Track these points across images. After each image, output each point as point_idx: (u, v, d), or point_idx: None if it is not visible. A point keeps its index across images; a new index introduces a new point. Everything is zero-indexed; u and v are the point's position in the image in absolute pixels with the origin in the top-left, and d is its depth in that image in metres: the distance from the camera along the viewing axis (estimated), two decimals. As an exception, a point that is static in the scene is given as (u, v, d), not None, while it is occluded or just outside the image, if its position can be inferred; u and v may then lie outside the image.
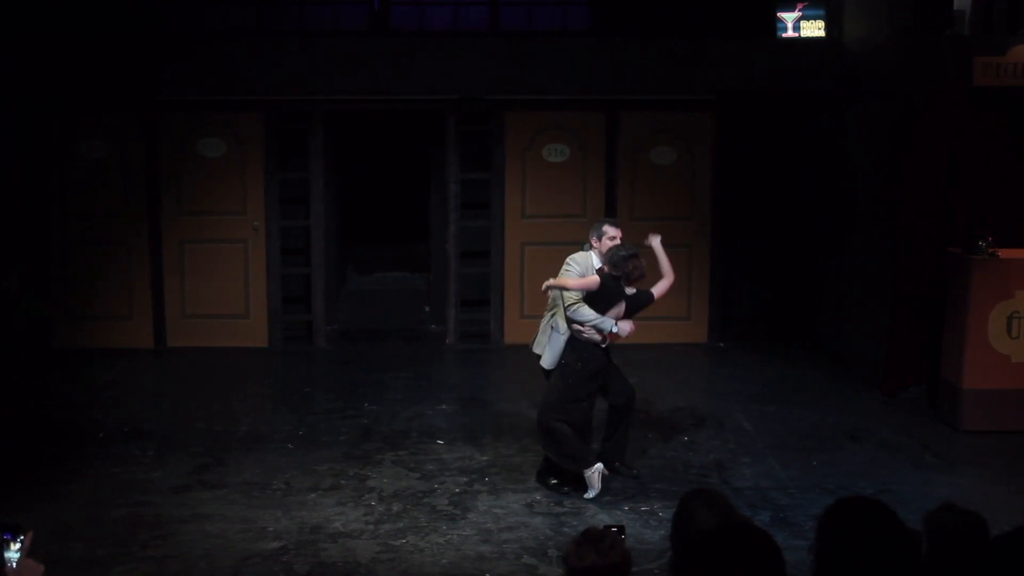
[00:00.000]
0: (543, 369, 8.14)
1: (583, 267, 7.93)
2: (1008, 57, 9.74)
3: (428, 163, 12.92)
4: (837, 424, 9.60)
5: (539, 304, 8.32)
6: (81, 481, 8.14)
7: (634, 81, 11.89)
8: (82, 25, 11.72)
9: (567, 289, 7.77)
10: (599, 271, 7.84)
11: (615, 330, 7.75)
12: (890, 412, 9.94)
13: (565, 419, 7.82)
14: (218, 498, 7.83)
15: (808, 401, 10.28)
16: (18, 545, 3.52)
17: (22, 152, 11.83)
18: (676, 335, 12.16)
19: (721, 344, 12.38)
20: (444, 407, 10.04)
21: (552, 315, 8.07)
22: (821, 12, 11.98)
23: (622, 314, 7.83)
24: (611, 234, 7.94)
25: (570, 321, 7.85)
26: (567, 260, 8.01)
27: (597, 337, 7.79)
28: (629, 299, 7.83)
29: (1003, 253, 9.35)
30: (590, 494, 7.80)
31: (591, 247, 8.03)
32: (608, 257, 7.81)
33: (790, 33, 12.06)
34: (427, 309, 13.30)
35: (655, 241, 7.99)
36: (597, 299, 7.74)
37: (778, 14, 12.05)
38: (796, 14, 12.00)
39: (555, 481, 8.00)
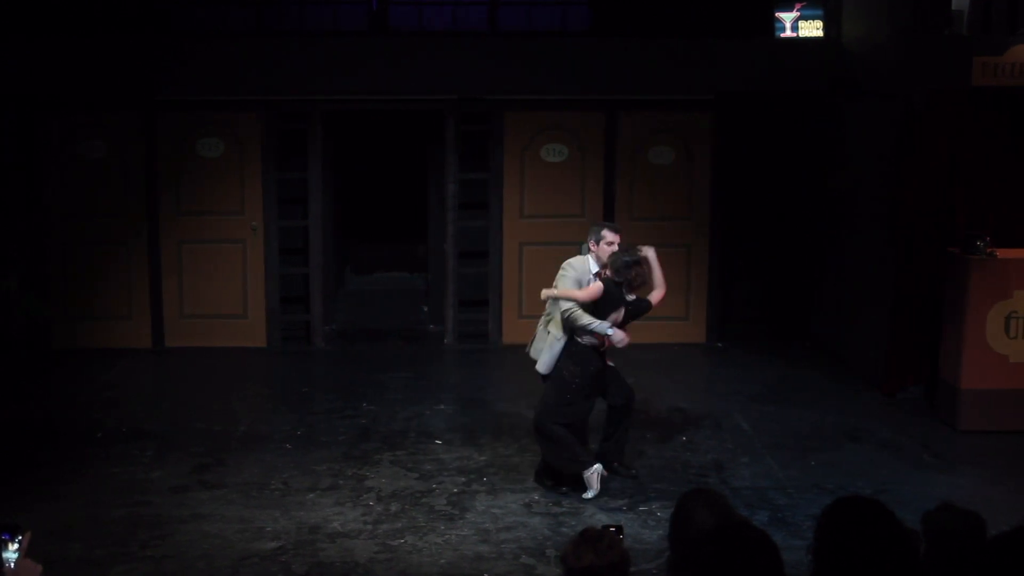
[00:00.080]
0: (540, 373, 8.13)
1: (579, 272, 7.89)
2: (1006, 57, 9.74)
3: (427, 163, 12.92)
4: (836, 424, 9.61)
5: (537, 304, 8.29)
6: (80, 481, 8.14)
7: (633, 81, 11.89)
8: (82, 25, 11.72)
9: (575, 300, 7.73)
10: (601, 277, 7.83)
11: (610, 333, 7.74)
12: (889, 412, 9.94)
13: (562, 422, 7.82)
14: (217, 498, 7.83)
15: (807, 401, 10.29)
16: (16, 545, 3.52)
17: (21, 152, 11.83)
18: (675, 335, 12.16)
19: (720, 344, 12.39)
20: (442, 407, 10.04)
21: (548, 320, 8.05)
22: (819, 12, 11.99)
23: (620, 319, 7.83)
24: (609, 239, 7.90)
25: (567, 325, 7.84)
26: (563, 265, 7.97)
27: (595, 340, 7.78)
28: (628, 305, 7.83)
29: (1001, 253, 9.35)
30: (589, 494, 7.80)
31: (589, 250, 8.00)
32: (611, 262, 7.79)
33: (788, 33, 12.07)
34: (425, 309, 13.30)
35: (650, 252, 7.96)
36: (599, 305, 7.74)
37: (776, 14, 12.06)
38: (794, 14, 12.01)
39: (553, 481, 8.00)
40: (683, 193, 12.30)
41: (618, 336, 7.76)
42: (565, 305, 7.79)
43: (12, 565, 3.50)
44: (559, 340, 7.90)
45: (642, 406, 9.23)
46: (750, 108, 12.16)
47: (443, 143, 12.22)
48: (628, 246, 7.93)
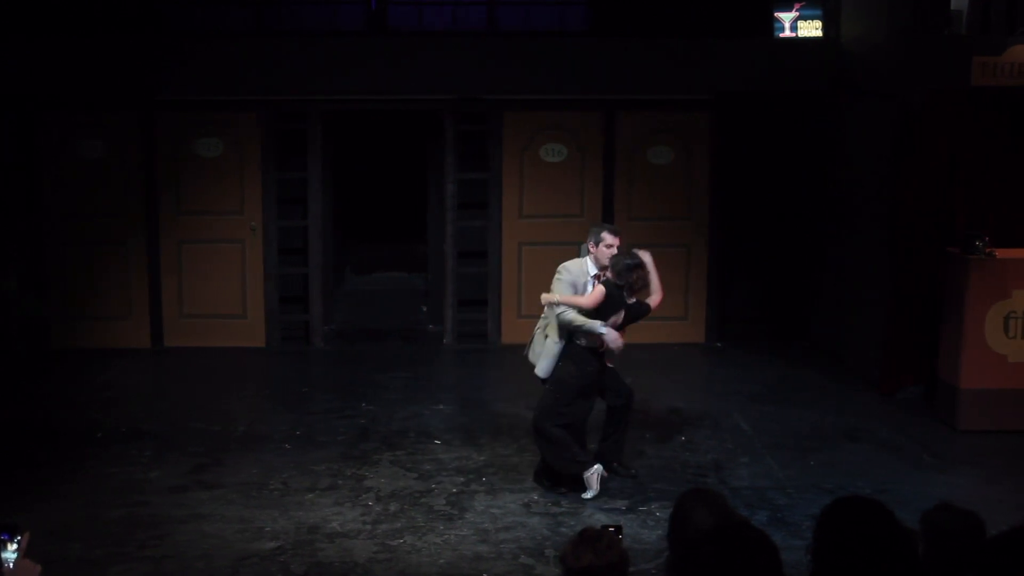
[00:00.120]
0: (540, 378, 8.12)
1: (574, 275, 7.85)
2: (1005, 57, 9.74)
3: (426, 163, 12.93)
4: (835, 424, 9.61)
5: (536, 304, 8.27)
6: (78, 481, 8.13)
7: (632, 81, 11.89)
8: (81, 25, 11.73)
9: (579, 307, 7.69)
10: (604, 280, 7.81)
11: (603, 332, 7.71)
12: (888, 412, 9.94)
13: (561, 423, 7.82)
14: (215, 498, 7.83)
15: (806, 401, 10.29)
16: (15, 545, 3.51)
17: (21, 152, 11.84)
18: (673, 335, 12.16)
19: (719, 344, 12.39)
20: (441, 407, 10.04)
21: (546, 325, 8.03)
22: (818, 12, 12.00)
23: (620, 322, 7.82)
24: (609, 241, 7.84)
25: (560, 326, 7.83)
26: (559, 269, 7.92)
27: (593, 342, 7.76)
28: (628, 308, 7.83)
29: (1000, 253, 9.35)
30: (588, 495, 7.80)
31: (588, 251, 7.98)
32: (613, 264, 7.78)
33: (787, 33, 12.07)
34: (425, 309, 13.30)
35: (646, 257, 7.94)
36: (600, 308, 7.72)
37: (775, 14, 12.07)
38: (793, 14, 12.01)
39: (551, 481, 7.99)
40: (682, 193, 12.30)
41: (611, 336, 7.74)
42: (559, 306, 7.79)
43: (11, 565, 3.50)
44: (557, 344, 7.89)
45: (641, 406, 9.23)
46: (749, 108, 12.16)
47: (442, 143, 12.22)
48: (634, 254, 7.89)
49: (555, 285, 7.86)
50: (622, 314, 7.80)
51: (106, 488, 8.00)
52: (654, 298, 7.97)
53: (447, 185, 12.20)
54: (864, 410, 10.00)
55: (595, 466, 7.84)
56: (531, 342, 8.18)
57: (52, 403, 10.14)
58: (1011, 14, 10.24)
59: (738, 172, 12.24)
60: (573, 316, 7.72)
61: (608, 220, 11.96)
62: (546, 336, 7.98)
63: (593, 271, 7.89)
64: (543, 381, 8.04)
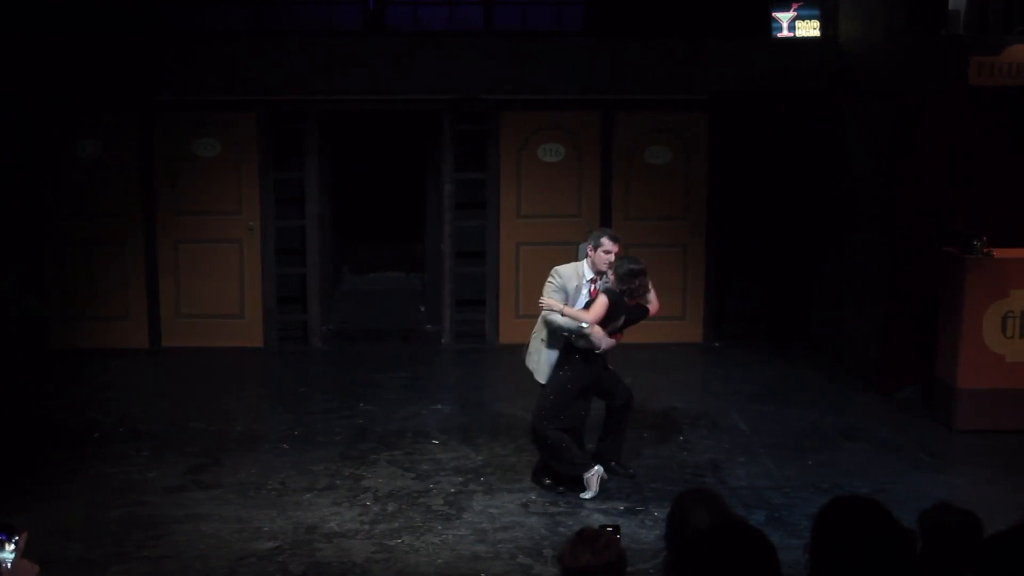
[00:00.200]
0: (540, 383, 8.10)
1: (566, 279, 7.81)
2: (1003, 57, 9.74)
3: (424, 163, 12.93)
4: (833, 424, 9.61)
5: (534, 304, 8.24)
6: (77, 481, 8.13)
7: (630, 81, 11.89)
8: (80, 25, 11.72)
9: (585, 322, 7.66)
10: (604, 289, 7.75)
11: (584, 326, 7.64)
12: (886, 412, 9.94)
13: (560, 426, 7.81)
14: (213, 498, 7.83)
15: (804, 401, 10.29)
16: (12, 546, 3.51)
17: (20, 152, 11.82)
18: (671, 335, 12.15)
19: (717, 344, 12.39)
20: (439, 407, 10.04)
21: (544, 330, 8.01)
22: (816, 12, 12.00)
23: (620, 325, 7.80)
24: (607, 247, 7.77)
25: (553, 328, 7.82)
26: (552, 272, 7.89)
27: (591, 343, 7.73)
28: (627, 312, 7.82)
29: (998, 253, 9.36)
30: (586, 495, 7.80)
31: (587, 254, 7.96)
32: (616, 267, 7.74)
33: (785, 33, 12.07)
34: (423, 309, 13.30)
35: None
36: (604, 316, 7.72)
37: (773, 14, 12.07)
38: (791, 14, 12.01)
39: (550, 481, 7.99)
40: (680, 193, 12.30)
41: (596, 334, 7.70)
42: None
43: (9, 565, 3.50)
44: (555, 348, 7.88)
45: (639, 406, 9.22)
46: (748, 108, 12.16)
47: (440, 143, 12.22)
48: (637, 259, 7.86)
49: (545, 288, 7.84)
50: (622, 319, 7.80)
51: (104, 488, 8.00)
52: (651, 308, 7.95)
53: (445, 185, 12.20)
54: (862, 410, 10.01)
55: (595, 467, 7.83)
56: (528, 349, 8.15)
57: (50, 403, 10.14)
58: (1008, 14, 10.26)
59: (737, 172, 12.24)
60: (555, 316, 7.71)
61: (606, 220, 11.97)
62: (542, 340, 7.97)
63: (589, 275, 7.86)
64: (543, 384, 8.02)
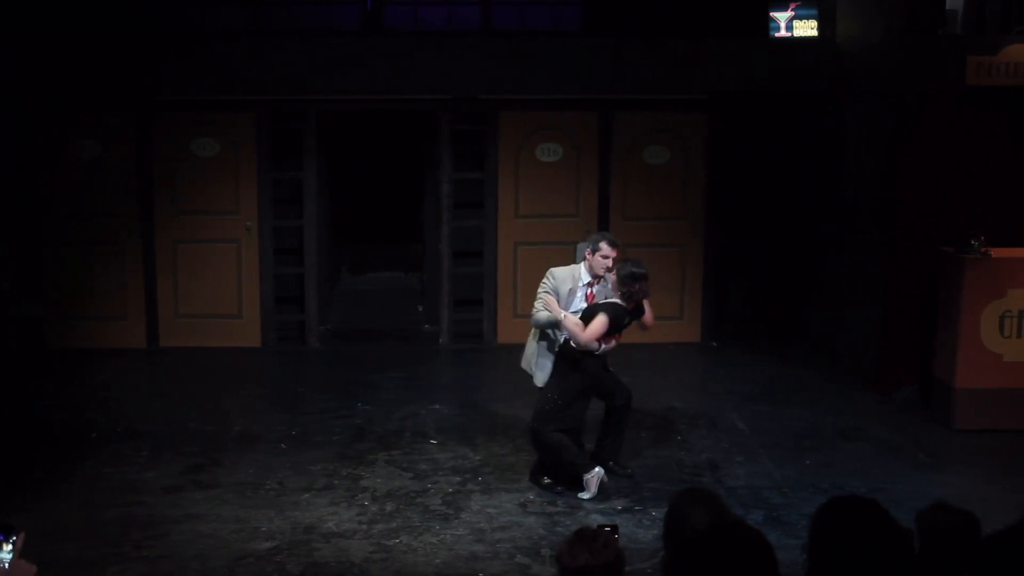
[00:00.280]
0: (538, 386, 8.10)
1: (559, 281, 7.80)
2: (1000, 56, 9.74)
3: (422, 163, 12.93)
4: (831, 423, 9.61)
5: (533, 304, 8.23)
6: (74, 481, 8.12)
7: (628, 81, 11.90)
8: (79, 25, 11.72)
9: (591, 338, 7.64)
10: (605, 305, 7.72)
11: (560, 318, 7.60)
12: (884, 411, 9.95)
13: (559, 427, 7.80)
14: (211, 498, 7.82)
15: (802, 400, 10.29)
16: (10, 546, 3.51)
17: (18, 151, 11.82)
18: (669, 334, 12.14)
19: (714, 343, 12.39)
20: (437, 407, 10.04)
21: (541, 335, 8.01)
22: (814, 12, 12.00)
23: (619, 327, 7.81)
24: (605, 252, 7.73)
25: (539, 328, 7.83)
26: (547, 274, 7.89)
27: (594, 345, 7.72)
28: (628, 315, 7.82)
29: (996, 252, 9.36)
30: (585, 495, 7.79)
31: (585, 257, 7.94)
32: (618, 269, 7.72)
33: (783, 33, 12.08)
34: (420, 309, 13.30)
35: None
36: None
37: (771, 14, 12.07)
38: (789, 14, 12.02)
39: (548, 480, 7.99)
40: (678, 193, 12.30)
41: (570, 321, 7.63)
42: (536, 309, 7.78)
43: (6, 566, 3.49)
44: (551, 350, 7.88)
45: (637, 405, 9.20)
46: (746, 108, 12.16)
47: (438, 143, 12.22)
48: (640, 263, 7.83)
49: (539, 290, 7.84)
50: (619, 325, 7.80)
51: (102, 488, 7.99)
52: (647, 317, 7.92)
53: (443, 185, 12.20)
54: (860, 410, 10.01)
55: (596, 469, 7.81)
56: (526, 352, 8.15)
57: (48, 403, 10.13)
58: (1006, 14, 10.25)
59: (735, 172, 12.25)
60: (541, 314, 7.72)
61: (604, 220, 11.99)
62: (539, 342, 7.97)
63: (587, 278, 7.84)
64: (542, 386, 8.01)
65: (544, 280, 7.86)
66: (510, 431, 9.21)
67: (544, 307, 7.77)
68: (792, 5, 12.00)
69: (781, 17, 12.02)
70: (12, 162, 11.79)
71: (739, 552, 3.51)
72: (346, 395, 10.37)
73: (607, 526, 3.89)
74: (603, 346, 7.72)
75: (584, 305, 7.79)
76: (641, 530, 7.28)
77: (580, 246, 8.15)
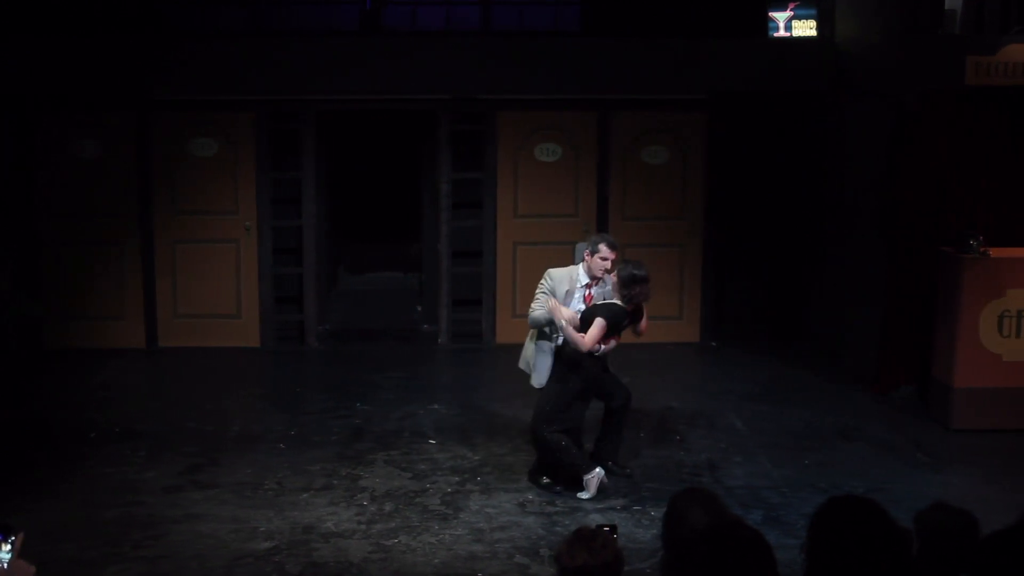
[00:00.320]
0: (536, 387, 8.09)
1: (556, 282, 7.80)
2: (999, 56, 9.74)
3: (421, 163, 12.92)
4: (830, 423, 9.61)
5: (531, 304, 8.22)
6: (73, 481, 8.12)
7: (627, 81, 11.89)
8: (79, 25, 11.72)
9: (590, 345, 7.61)
10: (604, 308, 7.72)
11: (564, 325, 7.63)
12: (883, 411, 9.95)
13: (559, 428, 7.80)
14: (210, 498, 7.82)
15: (801, 400, 10.29)
16: (9, 546, 3.51)
17: (17, 151, 11.82)
18: (668, 334, 12.15)
19: (713, 343, 12.39)
20: (436, 407, 10.03)
21: (539, 335, 8.01)
22: (813, 12, 12.00)
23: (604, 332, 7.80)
24: (604, 254, 7.72)
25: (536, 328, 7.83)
26: (544, 275, 7.89)
27: (594, 346, 7.72)
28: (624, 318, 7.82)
29: (994, 252, 9.36)
30: (584, 495, 7.78)
31: (584, 258, 7.93)
32: (619, 271, 7.70)
33: (782, 33, 12.08)
34: (419, 309, 13.30)
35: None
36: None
37: (770, 14, 12.07)
38: (788, 14, 12.01)
39: (547, 480, 7.99)
40: (677, 193, 12.30)
41: (571, 332, 7.61)
42: (532, 308, 7.78)
43: (5, 566, 3.49)
44: (549, 353, 7.88)
45: (636, 405, 9.21)
46: (745, 107, 12.16)
47: (437, 143, 12.22)
48: (642, 265, 7.81)
49: (537, 290, 7.84)
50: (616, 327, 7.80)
51: (101, 488, 7.99)
52: (643, 323, 7.91)
53: (442, 185, 12.19)
54: (859, 409, 10.01)
55: (596, 470, 7.80)
56: (524, 352, 8.14)
57: (47, 403, 10.13)
58: (1005, 14, 10.25)
59: (735, 172, 12.24)
60: (539, 313, 7.72)
61: (603, 220, 11.99)
62: (537, 345, 7.96)
63: (585, 280, 7.84)
64: (542, 387, 8.01)
65: (541, 281, 7.86)
66: (509, 431, 9.21)
67: (548, 311, 7.74)
68: (791, 5, 12.00)
69: (780, 17, 12.02)
70: (12, 162, 11.79)
71: (738, 552, 3.51)
72: (345, 395, 10.37)
73: (606, 526, 3.89)
74: (602, 347, 7.72)
75: (582, 307, 7.78)
76: (640, 530, 7.28)
77: (579, 246, 8.14)
